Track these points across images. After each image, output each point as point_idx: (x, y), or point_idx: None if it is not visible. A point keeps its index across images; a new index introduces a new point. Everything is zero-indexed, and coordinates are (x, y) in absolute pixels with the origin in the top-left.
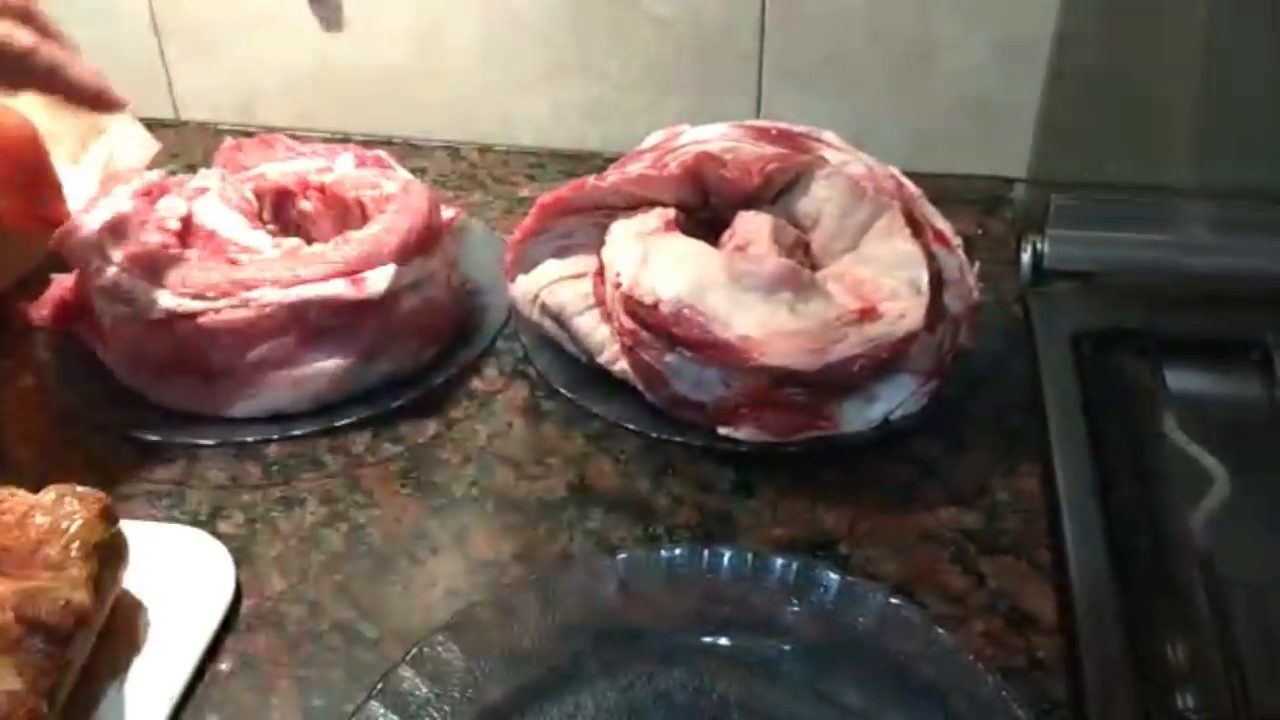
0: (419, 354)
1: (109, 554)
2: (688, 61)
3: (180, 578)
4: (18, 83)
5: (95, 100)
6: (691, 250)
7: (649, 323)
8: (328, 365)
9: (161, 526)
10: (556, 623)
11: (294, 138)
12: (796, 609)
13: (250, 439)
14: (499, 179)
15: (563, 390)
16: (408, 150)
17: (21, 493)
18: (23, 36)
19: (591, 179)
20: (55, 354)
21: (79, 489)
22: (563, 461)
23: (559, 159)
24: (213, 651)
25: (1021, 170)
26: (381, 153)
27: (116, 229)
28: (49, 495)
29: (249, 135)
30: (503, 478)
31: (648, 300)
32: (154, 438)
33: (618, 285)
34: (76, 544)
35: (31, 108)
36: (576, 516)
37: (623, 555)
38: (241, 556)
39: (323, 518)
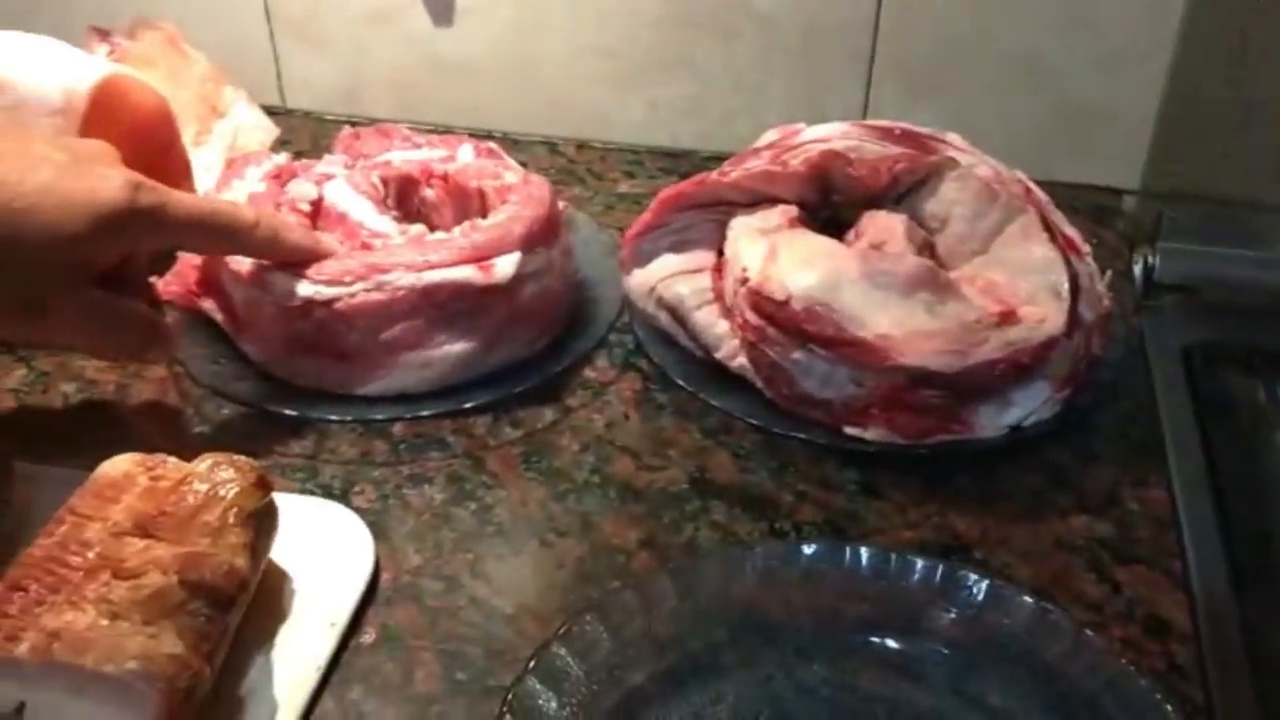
0: (535, 342)
1: (263, 522)
2: (792, 60)
3: (320, 548)
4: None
5: (308, 259)
6: (822, 247)
7: (777, 319)
8: (454, 349)
9: (299, 498)
10: (693, 611)
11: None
12: (943, 611)
13: (379, 417)
14: (597, 175)
15: (681, 383)
16: (507, 145)
17: (174, 460)
18: (246, 212)
19: (713, 174)
20: (184, 329)
21: (234, 457)
22: (681, 454)
23: (655, 156)
24: (355, 623)
25: (1132, 182)
26: (493, 144)
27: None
28: (205, 463)
29: (353, 125)
30: (623, 467)
31: (778, 296)
32: (288, 411)
33: (743, 280)
34: (234, 511)
35: (154, 85)
36: (700, 509)
37: (760, 548)
38: (376, 531)
39: (451, 496)
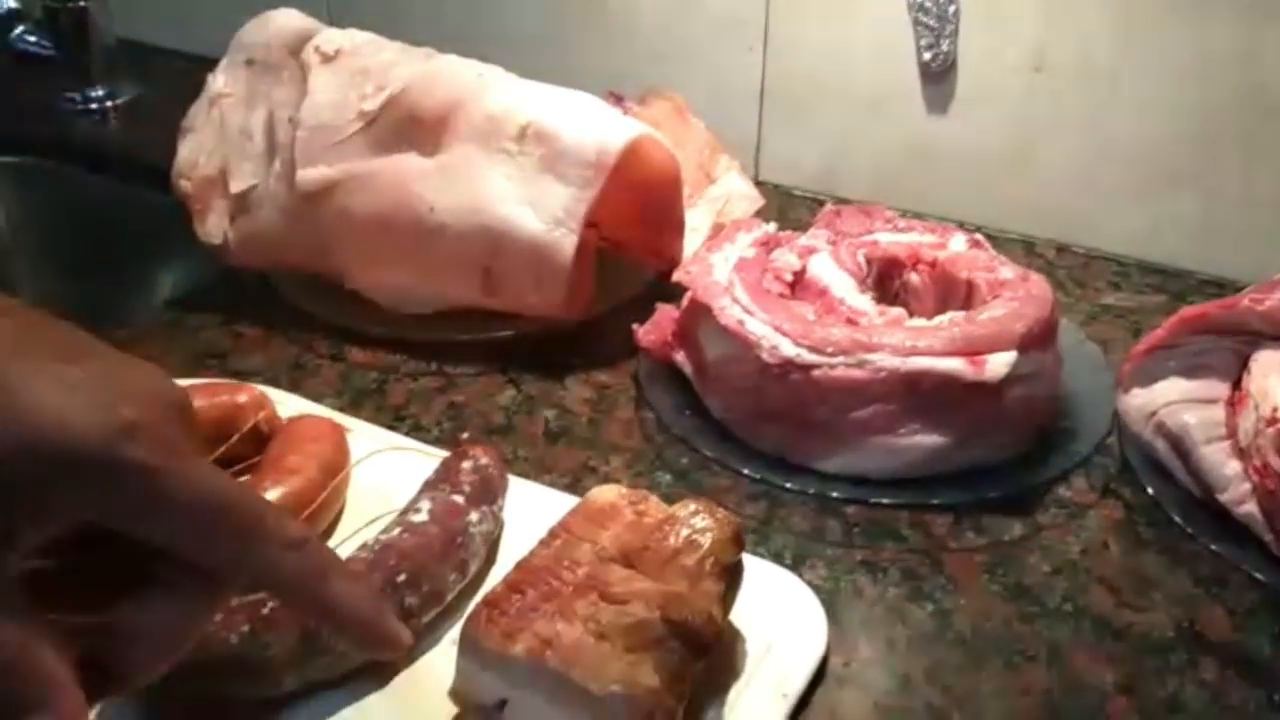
0: (1010, 449)
1: (734, 577)
2: None
3: (773, 615)
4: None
5: (356, 633)
6: None
7: None
8: (925, 440)
9: (754, 560)
10: None
11: None
12: None
13: (836, 495)
14: (1079, 282)
15: (1177, 520)
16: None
17: (656, 499)
18: (287, 523)
19: (1244, 298)
20: (651, 377)
21: (714, 507)
22: (1167, 598)
23: (1146, 272)
24: (803, 699)
25: None
26: (980, 237)
27: (743, 273)
28: (687, 508)
29: (820, 202)
30: (1099, 599)
31: None
32: (747, 472)
33: (1272, 421)
34: (711, 560)
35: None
36: (1187, 662)
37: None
38: (827, 609)
39: (907, 593)
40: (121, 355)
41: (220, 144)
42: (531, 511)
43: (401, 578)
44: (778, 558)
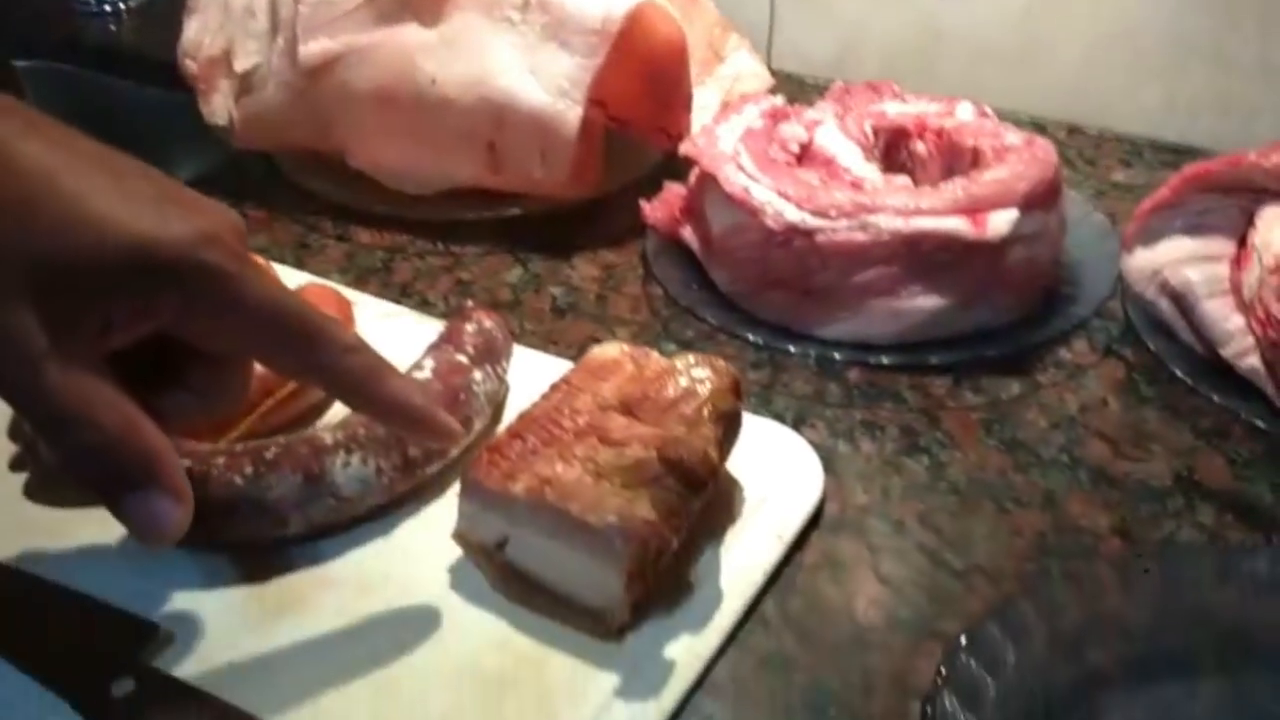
0: (1010, 311)
1: (731, 425)
2: None
3: (771, 467)
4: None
5: (407, 426)
6: None
7: None
8: (926, 303)
9: (755, 418)
10: (1174, 606)
11: None
12: None
13: (838, 357)
14: (1089, 160)
15: (1179, 374)
16: None
17: (656, 355)
18: (341, 330)
19: (1252, 155)
20: (659, 253)
21: (713, 359)
22: (1167, 450)
23: (1159, 150)
24: (799, 542)
25: None
26: (988, 109)
27: (749, 142)
28: (687, 360)
29: None
30: (1097, 451)
31: None
32: (752, 337)
33: (1275, 270)
34: (709, 408)
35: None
36: (1184, 507)
37: (1265, 553)
38: (825, 464)
39: (903, 447)
40: (164, 175)
41: (225, 23)
42: (537, 378)
43: None
44: (778, 419)
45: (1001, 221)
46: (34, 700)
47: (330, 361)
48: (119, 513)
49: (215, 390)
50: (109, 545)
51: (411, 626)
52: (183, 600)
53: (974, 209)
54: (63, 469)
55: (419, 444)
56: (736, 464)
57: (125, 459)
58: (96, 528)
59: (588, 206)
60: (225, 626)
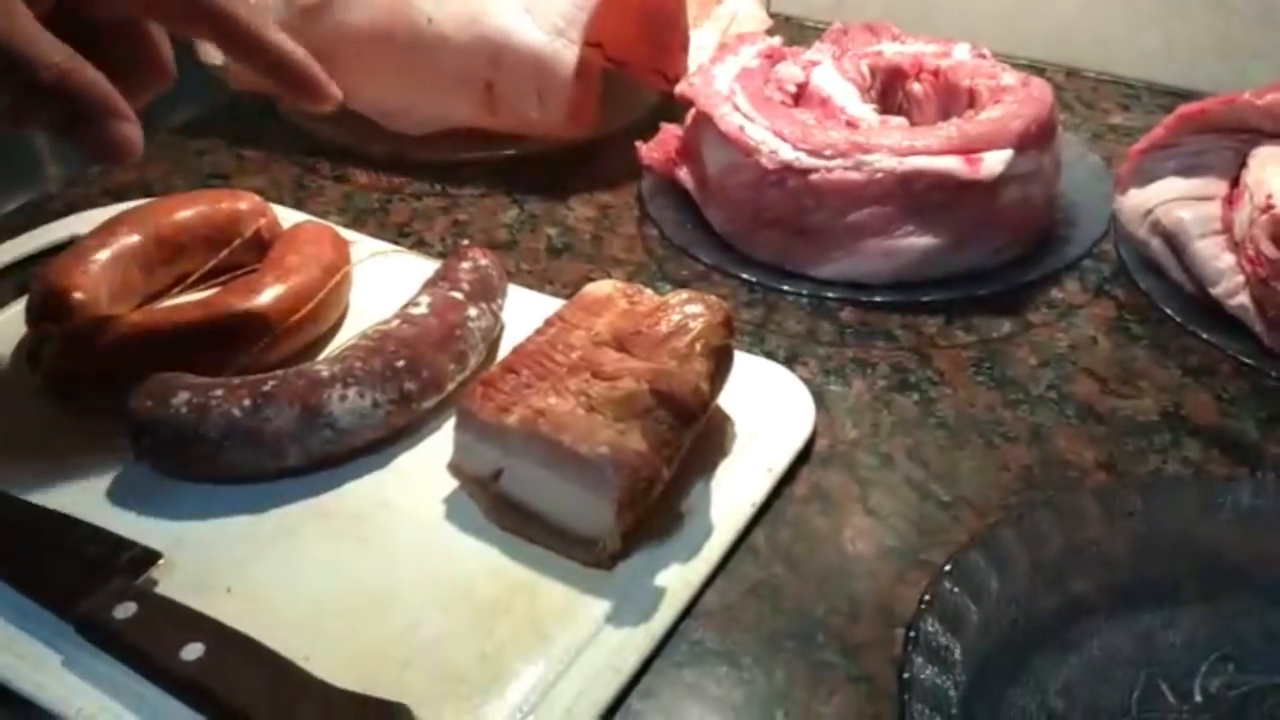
0: (1003, 251)
1: (722, 359)
2: None
3: (763, 403)
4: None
5: (294, 78)
6: None
7: None
8: (920, 241)
9: (747, 356)
10: (1156, 535)
11: None
12: None
13: (831, 296)
14: (1087, 104)
15: (1169, 313)
16: None
17: (649, 292)
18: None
19: (1246, 94)
20: (654, 194)
21: (706, 296)
22: (1155, 387)
23: (1156, 94)
24: (789, 475)
25: None
26: (985, 50)
27: (745, 82)
28: (679, 296)
29: None
30: (1085, 387)
31: None
32: (745, 276)
33: (1266, 208)
34: (700, 343)
35: None
36: (1171, 443)
37: (1246, 484)
38: (816, 401)
39: (894, 384)
40: None
41: None
42: (533, 317)
43: (400, 364)
44: (771, 356)
45: (996, 161)
46: (39, 622)
47: (219, 7)
48: (85, 142)
49: (132, 64)
50: (111, 476)
51: (407, 554)
52: (183, 530)
53: (968, 148)
54: (26, 113)
55: (297, 105)
56: (729, 400)
57: (78, 91)
58: (99, 459)
59: (584, 148)
60: (224, 554)
